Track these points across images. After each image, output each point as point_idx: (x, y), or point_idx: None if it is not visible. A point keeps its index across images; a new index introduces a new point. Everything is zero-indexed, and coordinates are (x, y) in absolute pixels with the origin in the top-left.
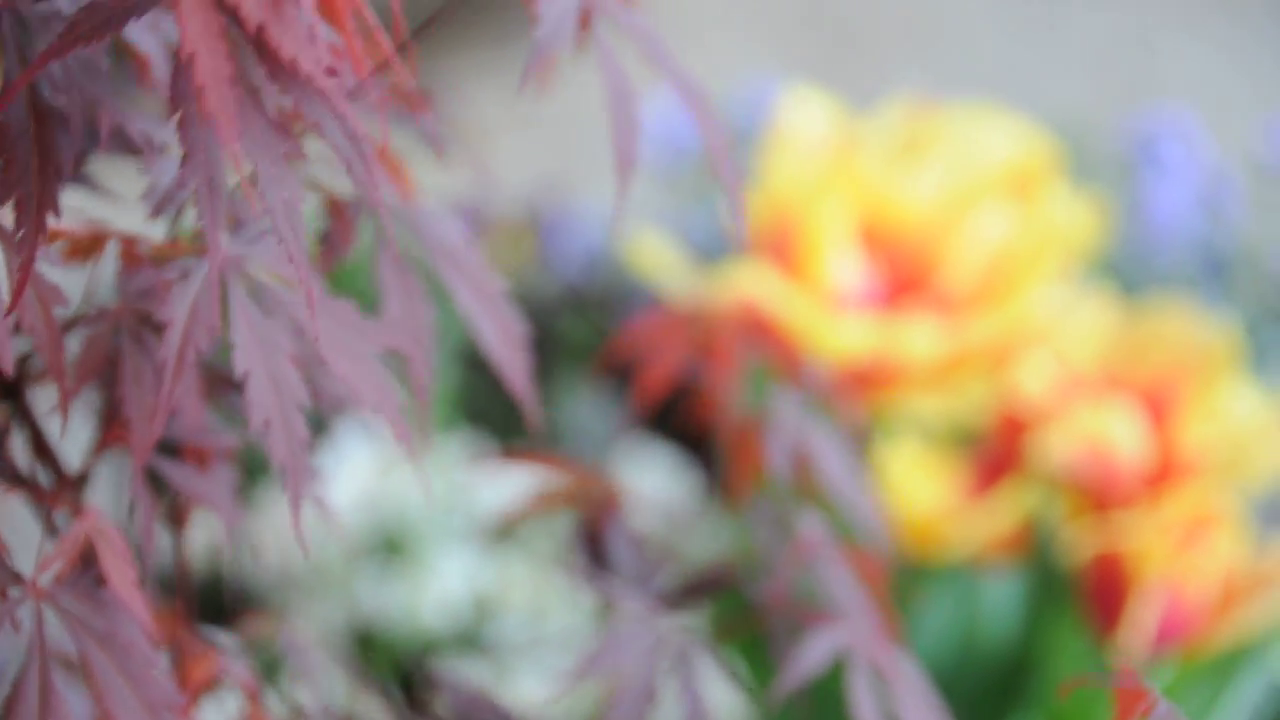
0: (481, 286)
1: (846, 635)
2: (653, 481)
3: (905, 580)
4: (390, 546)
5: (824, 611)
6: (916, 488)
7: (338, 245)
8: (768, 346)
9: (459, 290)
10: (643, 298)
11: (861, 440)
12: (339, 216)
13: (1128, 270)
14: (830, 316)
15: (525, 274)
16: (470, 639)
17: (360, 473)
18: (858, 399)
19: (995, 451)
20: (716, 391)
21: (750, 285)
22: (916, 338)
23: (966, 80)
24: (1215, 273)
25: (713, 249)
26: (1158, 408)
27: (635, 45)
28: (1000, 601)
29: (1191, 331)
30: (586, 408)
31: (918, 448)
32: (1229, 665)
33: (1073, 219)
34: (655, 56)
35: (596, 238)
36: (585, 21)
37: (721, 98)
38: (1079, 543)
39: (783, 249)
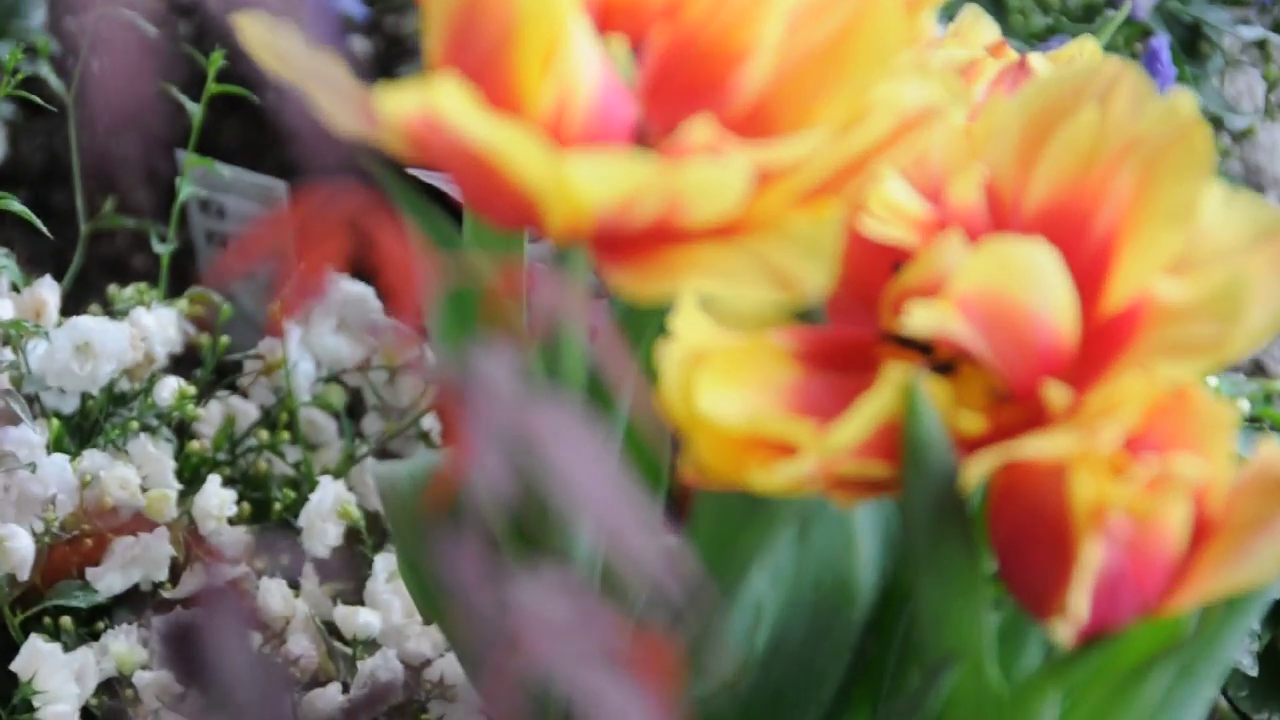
0: None
1: None
2: None
3: (730, 523)
4: None
5: None
6: (730, 393)
7: None
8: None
9: None
10: None
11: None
12: None
13: None
14: (566, 153)
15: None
16: None
17: None
18: (629, 279)
19: (840, 330)
20: (402, 325)
21: (441, 106)
22: (707, 174)
23: None
24: None
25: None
26: (1086, 238)
27: None
28: (864, 542)
29: (1129, 105)
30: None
31: (729, 339)
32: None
33: None
34: None
35: None
36: None
37: None
38: (975, 457)
39: (485, 42)
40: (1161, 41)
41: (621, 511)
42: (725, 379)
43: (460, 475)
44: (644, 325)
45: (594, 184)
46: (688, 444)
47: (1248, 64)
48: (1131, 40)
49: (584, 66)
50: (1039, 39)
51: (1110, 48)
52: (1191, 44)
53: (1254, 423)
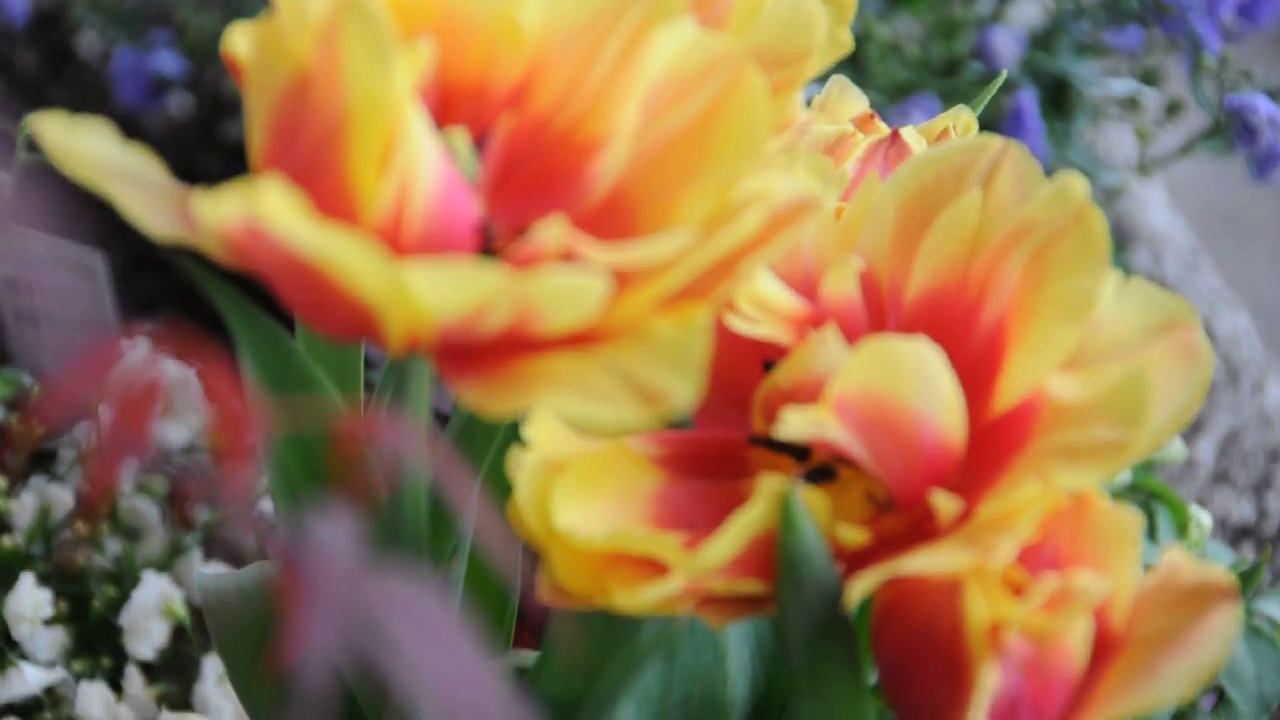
0: None
1: None
2: None
3: (593, 646)
4: None
5: None
6: (589, 505)
7: None
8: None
9: None
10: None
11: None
12: None
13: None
14: (405, 262)
15: None
16: None
17: None
18: (478, 393)
19: (708, 433)
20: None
21: (265, 214)
22: (561, 282)
23: None
24: None
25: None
26: (973, 332)
27: None
28: (735, 655)
29: (1014, 187)
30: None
31: (587, 446)
32: None
33: (798, 8)
34: None
35: None
36: None
37: None
38: (858, 575)
39: (314, 137)
40: (1029, 96)
41: (471, 694)
42: (584, 490)
43: (295, 648)
44: (492, 433)
45: (437, 295)
46: (544, 562)
47: (1117, 117)
48: (997, 95)
49: (424, 163)
50: (901, 92)
51: (971, 100)
52: (1059, 98)
53: (1134, 491)
